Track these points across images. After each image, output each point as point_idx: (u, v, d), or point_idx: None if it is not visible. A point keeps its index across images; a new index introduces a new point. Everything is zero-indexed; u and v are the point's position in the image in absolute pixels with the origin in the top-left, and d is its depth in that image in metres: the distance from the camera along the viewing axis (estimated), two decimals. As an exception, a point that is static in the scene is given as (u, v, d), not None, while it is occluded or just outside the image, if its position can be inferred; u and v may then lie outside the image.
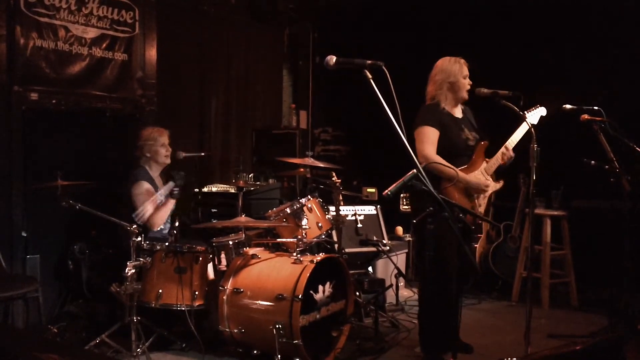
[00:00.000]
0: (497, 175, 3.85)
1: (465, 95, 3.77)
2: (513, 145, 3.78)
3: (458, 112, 3.84)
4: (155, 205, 4.19)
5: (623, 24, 5.20)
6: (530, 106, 3.83)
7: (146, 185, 4.24)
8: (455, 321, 3.89)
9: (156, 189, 4.32)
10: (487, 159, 3.79)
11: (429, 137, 3.67)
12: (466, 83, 3.76)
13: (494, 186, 3.80)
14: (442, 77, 3.77)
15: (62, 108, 4.59)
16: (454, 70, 3.75)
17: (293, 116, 7.01)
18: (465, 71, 3.77)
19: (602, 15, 5.26)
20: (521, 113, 3.56)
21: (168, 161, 4.42)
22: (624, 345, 2.34)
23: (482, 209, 3.79)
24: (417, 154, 3.63)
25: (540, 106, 3.89)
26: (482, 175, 3.75)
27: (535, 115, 3.88)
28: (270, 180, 5.67)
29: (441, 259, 3.49)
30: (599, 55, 5.29)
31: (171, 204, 4.24)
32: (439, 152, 3.65)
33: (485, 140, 3.82)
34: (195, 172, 5.38)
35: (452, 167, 3.59)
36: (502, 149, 3.76)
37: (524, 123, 3.73)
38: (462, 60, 3.79)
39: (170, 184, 4.17)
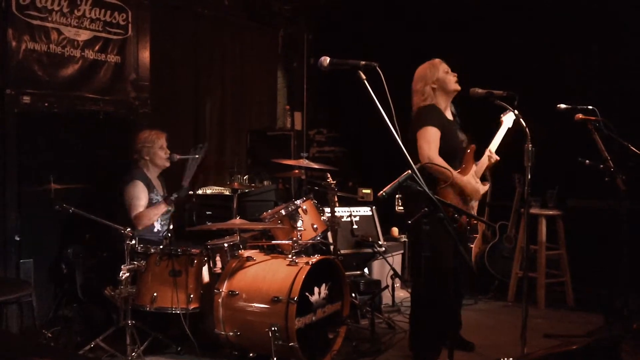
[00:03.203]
0: (481, 178, 3.88)
1: (455, 86, 3.76)
2: (495, 148, 3.82)
3: (449, 115, 3.85)
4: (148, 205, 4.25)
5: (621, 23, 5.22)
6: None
7: (141, 184, 4.24)
8: (453, 320, 3.91)
9: (153, 190, 4.32)
10: (476, 163, 3.81)
11: (432, 138, 3.65)
12: (450, 76, 3.76)
13: (482, 188, 3.82)
14: (422, 84, 3.78)
15: (55, 111, 4.56)
16: (430, 71, 3.76)
17: (288, 117, 6.99)
18: (444, 67, 3.77)
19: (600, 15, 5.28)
20: (510, 108, 3.56)
21: (167, 164, 4.42)
22: (620, 345, 2.34)
23: (474, 212, 3.80)
24: (420, 154, 3.63)
25: (511, 110, 3.89)
26: (474, 179, 3.76)
27: (509, 118, 3.89)
28: (265, 182, 5.65)
29: (437, 260, 3.49)
30: (596, 55, 5.31)
31: (162, 208, 4.26)
32: (439, 154, 3.66)
33: (473, 144, 3.83)
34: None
35: (451, 169, 3.59)
36: (487, 153, 3.80)
37: (503, 125, 3.81)
38: (437, 60, 3.79)
39: (173, 195, 4.29)
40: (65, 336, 4.07)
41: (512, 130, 3.81)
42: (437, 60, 3.80)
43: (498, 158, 3.83)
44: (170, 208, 4.35)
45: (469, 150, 3.80)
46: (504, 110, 3.83)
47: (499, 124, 3.87)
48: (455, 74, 3.79)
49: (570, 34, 5.35)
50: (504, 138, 3.88)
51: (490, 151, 3.80)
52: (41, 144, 4.48)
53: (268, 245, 4.29)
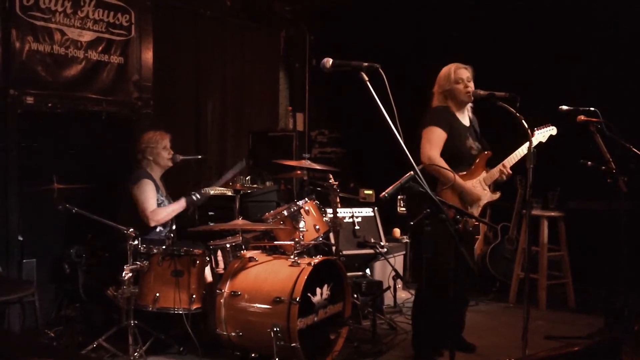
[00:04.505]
0: (495, 186, 3.84)
1: (463, 98, 3.75)
2: (512, 164, 3.76)
3: (465, 120, 3.84)
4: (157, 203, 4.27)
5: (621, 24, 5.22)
6: (537, 118, 3.76)
7: (150, 183, 4.26)
8: (455, 321, 3.91)
9: (158, 190, 4.33)
10: (487, 169, 3.79)
11: (436, 138, 3.66)
12: (461, 87, 3.74)
13: (490, 196, 3.79)
14: (437, 88, 3.81)
15: (58, 111, 4.58)
16: (445, 78, 3.76)
17: (290, 118, 7.01)
18: (460, 75, 3.74)
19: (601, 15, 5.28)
20: (527, 130, 3.50)
21: (170, 164, 4.43)
22: (621, 346, 2.35)
23: (475, 214, 3.79)
24: (421, 153, 3.64)
25: (552, 125, 3.88)
26: (480, 185, 3.75)
27: (544, 133, 3.86)
28: (267, 183, 5.65)
29: (439, 261, 3.49)
30: (597, 56, 5.32)
31: (182, 205, 4.30)
32: (442, 156, 3.65)
33: (489, 151, 3.81)
34: (192, 174, 5.38)
35: (452, 170, 3.59)
36: (500, 166, 3.75)
37: (527, 142, 3.72)
38: (455, 65, 3.77)
39: (195, 194, 4.34)
40: (67, 336, 4.07)
41: (513, 131, 3.76)
42: (454, 66, 3.77)
43: (510, 173, 3.75)
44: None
45: (482, 155, 3.79)
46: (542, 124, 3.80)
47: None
48: (467, 85, 3.75)
49: (571, 34, 5.36)
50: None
51: (503, 165, 3.74)
52: (44, 144, 4.50)
53: (270, 246, 4.29)
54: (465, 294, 4.05)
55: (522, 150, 3.75)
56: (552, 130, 3.90)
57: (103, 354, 3.74)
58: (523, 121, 3.57)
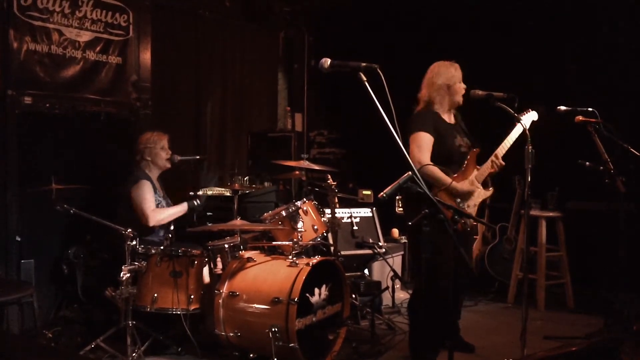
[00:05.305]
0: (492, 184, 3.83)
1: (460, 99, 3.78)
2: (503, 153, 3.75)
3: (450, 118, 3.84)
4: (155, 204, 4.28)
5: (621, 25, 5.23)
6: (523, 109, 3.81)
7: (148, 183, 4.26)
8: (453, 322, 3.92)
9: (156, 191, 4.33)
10: (478, 167, 3.79)
11: (424, 143, 3.66)
12: (462, 87, 3.77)
13: (484, 194, 3.78)
14: (439, 80, 3.76)
15: (57, 112, 4.58)
16: (450, 73, 3.75)
17: (288, 119, 7.01)
18: (460, 76, 3.77)
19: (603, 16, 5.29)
20: (515, 115, 3.53)
21: (168, 165, 4.44)
22: (620, 346, 2.35)
23: (473, 214, 3.79)
24: (411, 158, 3.63)
25: (532, 110, 3.88)
26: (473, 183, 3.75)
27: (526, 119, 3.86)
28: (266, 183, 5.66)
29: (437, 261, 3.49)
30: (596, 56, 5.32)
31: (184, 208, 4.36)
32: (432, 159, 3.65)
33: (477, 147, 3.81)
34: (190, 175, 5.38)
35: (444, 175, 3.59)
36: (492, 157, 3.74)
37: (514, 129, 3.72)
38: (457, 65, 3.79)
39: (197, 200, 4.44)
40: (66, 337, 4.07)
41: (501, 125, 3.77)
42: (457, 65, 3.78)
43: (503, 163, 3.74)
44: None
45: (472, 153, 3.79)
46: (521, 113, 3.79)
47: (512, 126, 3.79)
48: (464, 87, 3.78)
49: (571, 34, 5.36)
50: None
51: (495, 156, 3.74)
52: (42, 145, 4.49)
53: (269, 247, 4.29)
54: (462, 292, 4.05)
55: (510, 138, 3.75)
56: (533, 116, 3.86)
57: (101, 355, 3.73)
58: (521, 123, 3.59)
